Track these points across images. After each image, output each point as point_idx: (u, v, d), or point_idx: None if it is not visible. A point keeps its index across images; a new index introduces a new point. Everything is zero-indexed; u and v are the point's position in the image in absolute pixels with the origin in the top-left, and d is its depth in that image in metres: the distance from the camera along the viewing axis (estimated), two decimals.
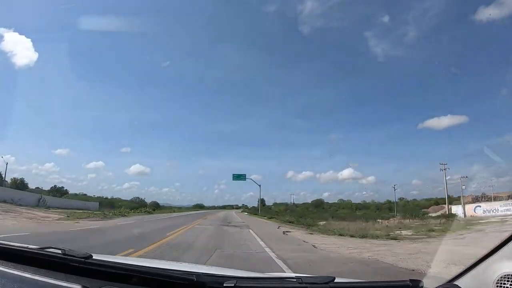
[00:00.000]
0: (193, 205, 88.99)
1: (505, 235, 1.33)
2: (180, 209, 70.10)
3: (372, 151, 68.76)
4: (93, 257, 1.44)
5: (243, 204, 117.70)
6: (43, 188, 49.05)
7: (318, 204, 61.32)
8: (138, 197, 62.19)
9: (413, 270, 6.17)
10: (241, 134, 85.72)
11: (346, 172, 65.30)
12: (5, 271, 1.35)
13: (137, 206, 49.89)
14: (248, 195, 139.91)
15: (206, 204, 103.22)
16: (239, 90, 74.41)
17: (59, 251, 1.48)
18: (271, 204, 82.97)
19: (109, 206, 42.92)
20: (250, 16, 57.70)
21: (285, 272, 5.34)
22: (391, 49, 52.68)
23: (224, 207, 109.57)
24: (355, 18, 54.31)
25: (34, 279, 1.30)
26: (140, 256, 6.20)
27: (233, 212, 59.81)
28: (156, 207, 57.35)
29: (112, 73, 66.82)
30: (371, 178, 68.09)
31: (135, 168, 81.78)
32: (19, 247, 1.58)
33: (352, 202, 64.97)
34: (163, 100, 75.79)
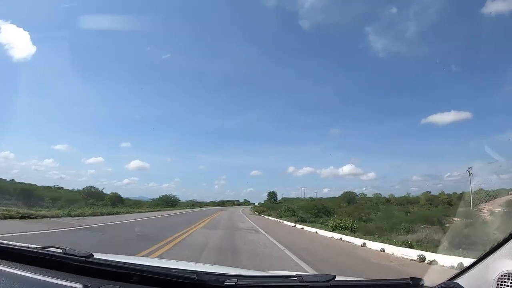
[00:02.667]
0: (158, 198, 53.90)
1: (505, 234, 1.33)
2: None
3: (374, 147, 67.99)
4: (94, 256, 1.45)
5: (245, 200, 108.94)
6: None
7: (351, 199, 48.36)
8: (93, 187, 40.52)
9: None
10: (241, 130, 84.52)
11: (347, 168, 64.20)
12: (6, 271, 1.36)
13: (89, 199, 33.38)
14: (248, 191, 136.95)
15: (207, 200, 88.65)
16: (240, 85, 74.02)
17: (60, 251, 1.48)
18: (278, 199, 71.83)
19: (23, 197, 25.01)
20: (249, 11, 57.42)
21: None
22: (394, 44, 52.44)
23: (223, 203, 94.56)
24: (356, 12, 53.91)
25: (35, 278, 1.30)
26: None
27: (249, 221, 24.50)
28: (116, 203, 36.32)
29: (111, 68, 65.89)
30: (371, 174, 67.67)
31: (135, 163, 78.00)
32: (20, 246, 1.58)
33: (381, 195, 50.11)
34: (163, 96, 74.62)
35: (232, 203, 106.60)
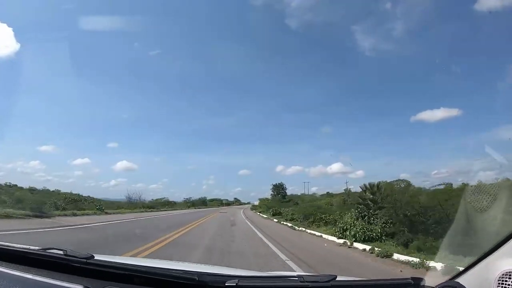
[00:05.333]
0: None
1: (506, 233, 1.33)
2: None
3: (363, 145, 66.25)
4: (95, 258, 1.45)
5: (235, 199, 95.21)
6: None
7: (404, 191, 18.09)
8: None
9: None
10: (230, 129, 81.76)
11: (336, 166, 62.23)
12: (7, 272, 1.36)
13: None
14: (237, 191, 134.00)
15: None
16: (227, 85, 72.55)
17: (61, 252, 1.48)
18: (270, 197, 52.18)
19: None
20: (236, 9, 56.53)
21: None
22: (382, 42, 51.94)
23: (204, 203, 65.04)
24: (344, 10, 52.78)
25: (36, 280, 1.30)
26: None
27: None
28: None
29: (97, 67, 62.97)
30: (360, 172, 66.87)
31: (122, 164, 69.10)
32: (21, 248, 1.58)
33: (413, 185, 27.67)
34: (150, 95, 72.47)
35: (219, 202, 79.54)
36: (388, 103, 63.74)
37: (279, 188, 52.46)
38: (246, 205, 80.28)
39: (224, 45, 58.95)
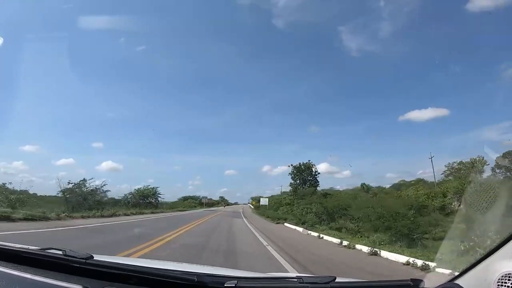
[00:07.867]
0: None
1: (506, 234, 1.33)
2: None
3: (350, 145, 65.97)
4: (94, 258, 1.44)
5: (221, 197, 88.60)
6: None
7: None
8: None
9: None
10: (216, 130, 79.74)
11: (323, 166, 62.09)
12: (5, 272, 1.35)
13: None
14: (223, 191, 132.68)
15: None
16: (214, 85, 72.17)
17: (60, 252, 1.48)
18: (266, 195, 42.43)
19: None
20: (222, 9, 56.34)
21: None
22: (370, 43, 52.35)
23: (154, 205, 33.06)
24: (331, 11, 52.69)
25: (34, 279, 1.30)
26: None
27: None
28: None
29: (83, 66, 60.08)
30: (346, 172, 67.41)
31: (107, 164, 59.62)
32: (20, 248, 1.58)
33: None
34: (136, 95, 70.93)
35: (196, 202, 58.84)
36: (377, 103, 64.21)
37: (304, 173, 30.67)
38: (236, 205, 75.30)
39: (211, 47, 58.82)
